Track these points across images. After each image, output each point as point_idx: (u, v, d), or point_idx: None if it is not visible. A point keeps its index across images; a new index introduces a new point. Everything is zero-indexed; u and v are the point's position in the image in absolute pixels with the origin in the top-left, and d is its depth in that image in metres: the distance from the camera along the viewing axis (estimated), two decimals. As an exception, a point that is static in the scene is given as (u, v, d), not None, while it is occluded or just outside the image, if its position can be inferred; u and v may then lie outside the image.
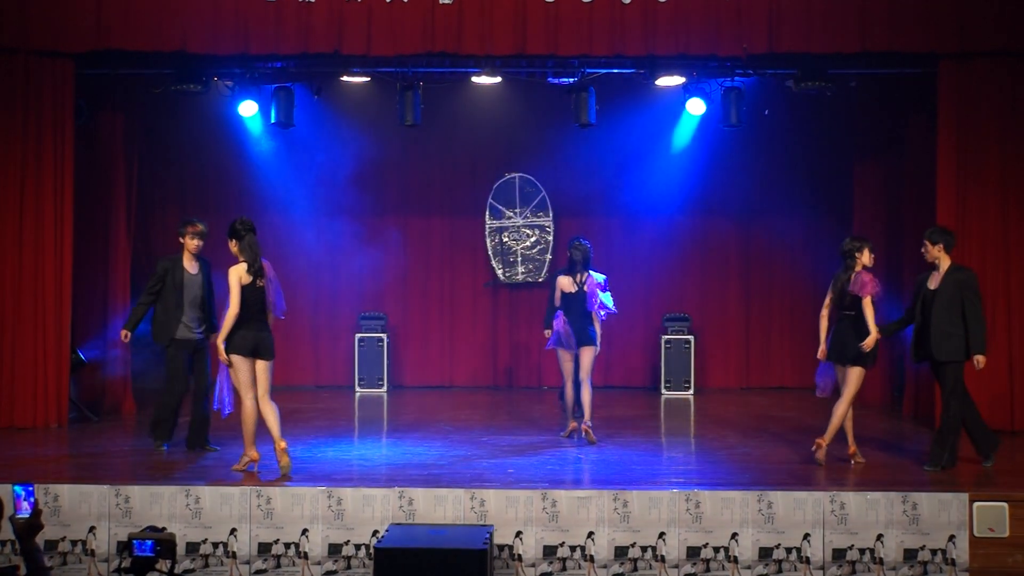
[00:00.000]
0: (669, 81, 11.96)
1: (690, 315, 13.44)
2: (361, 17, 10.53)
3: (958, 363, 8.74)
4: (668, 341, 13.22)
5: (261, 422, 8.50)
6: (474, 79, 12.05)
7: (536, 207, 13.71)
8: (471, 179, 13.88)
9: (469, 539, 7.16)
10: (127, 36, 10.54)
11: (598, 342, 10.00)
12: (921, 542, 7.74)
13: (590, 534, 7.80)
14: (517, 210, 13.72)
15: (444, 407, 12.34)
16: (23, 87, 10.68)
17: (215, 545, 7.85)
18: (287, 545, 7.84)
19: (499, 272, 13.76)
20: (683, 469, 9.10)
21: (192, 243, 9.41)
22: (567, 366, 10.01)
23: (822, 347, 9.01)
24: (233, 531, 7.85)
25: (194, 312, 9.33)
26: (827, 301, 9.01)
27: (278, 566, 7.83)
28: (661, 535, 7.79)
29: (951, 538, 7.73)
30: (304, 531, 7.84)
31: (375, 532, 7.76)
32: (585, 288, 9.90)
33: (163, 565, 5.94)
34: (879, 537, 7.75)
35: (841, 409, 8.79)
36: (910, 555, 7.72)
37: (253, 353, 8.44)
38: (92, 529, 7.88)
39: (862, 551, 7.74)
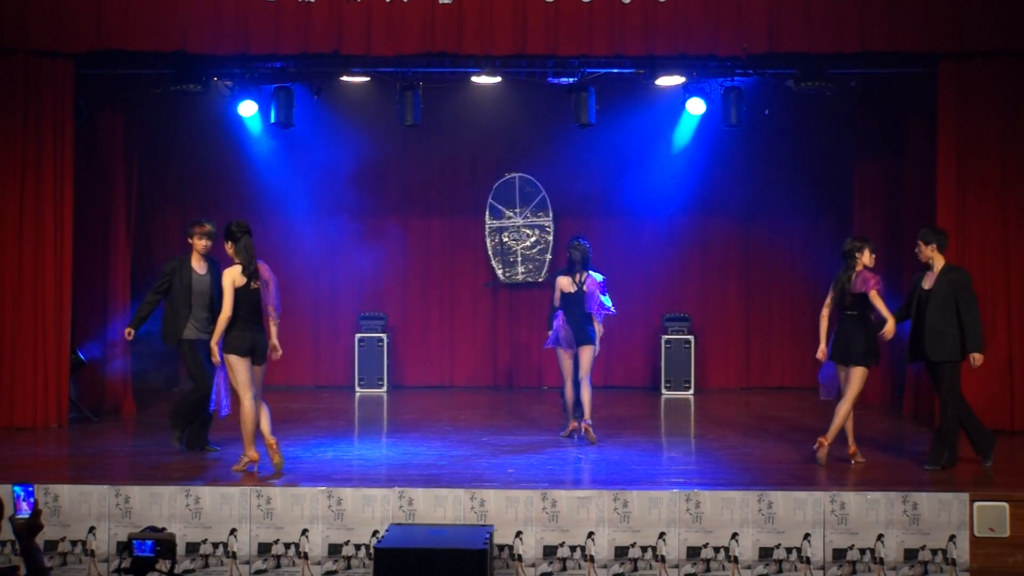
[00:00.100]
0: (669, 81, 11.96)
1: (690, 315, 13.44)
2: (361, 17, 10.52)
3: (954, 363, 8.74)
4: (668, 341, 13.22)
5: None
6: (474, 79, 12.05)
7: (536, 207, 13.71)
8: (471, 179, 13.88)
9: (469, 539, 7.16)
10: (127, 36, 10.54)
11: (597, 342, 10.00)
12: (921, 542, 7.74)
13: (590, 534, 7.80)
14: (517, 210, 13.71)
15: (444, 407, 12.34)
16: (23, 87, 10.67)
17: (215, 545, 7.85)
18: (287, 545, 7.83)
19: (499, 272, 13.76)
20: (683, 469, 9.10)
21: (200, 243, 9.40)
22: (566, 365, 10.01)
23: (821, 347, 9.01)
24: (233, 531, 7.85)
25: (202, 313, 9.27)
26: (827, 301, 9.01)
27: (278, 566, 7.83)
28: (661, 535, 7.79)
29: (951, 538, 7.72)
30: (304, 531, 7.84)
31: (375, 532, 7.76)
32: (585, 288, 9.90)
33: (163, 565, 5.94)
34: (879, 537, 7.75)
35: (844, 409, 8.78)
36: (910, 555, 7.72)
37: (250, 354, 8.45)
38: (92, 529, 7.87)
39: (862, 551, 7.74)
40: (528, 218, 13.72)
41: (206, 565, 7.83)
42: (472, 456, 9.35)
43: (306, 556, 7.83)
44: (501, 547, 7.75)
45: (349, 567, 7.81)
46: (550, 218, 13.69)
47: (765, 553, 7.75)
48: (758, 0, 10.53)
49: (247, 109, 12.36)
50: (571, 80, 11.78)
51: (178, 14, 10.52)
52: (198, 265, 9.41)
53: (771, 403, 12.62)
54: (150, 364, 12.91)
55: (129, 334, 9.65)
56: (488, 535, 7.23)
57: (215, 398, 8.69)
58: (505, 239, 13.72)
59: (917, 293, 8.89)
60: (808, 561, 7.75)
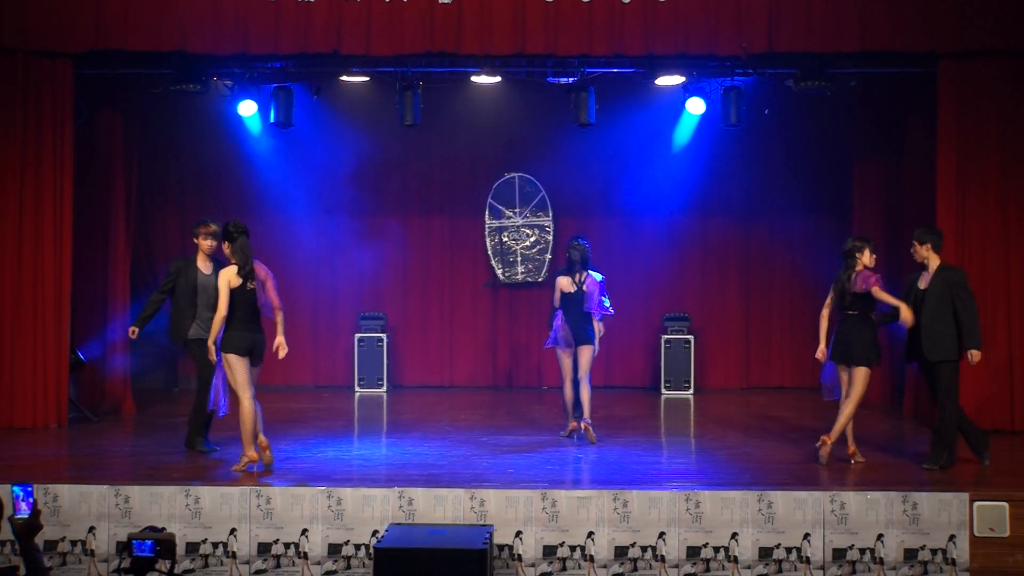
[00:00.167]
0: (669, 80, 11.96)
1: (690, 315, 13.44)
2: (360, 17, 10.52)
3: (952, 362, 8.74)
4: (668, 341, 13.22)
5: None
6: (474, 79, 12.05)
7: (536, 207, 13.70)
8: (471, 179, 13.88)
9: (469, 539, 7.16)
10: (126, 36, 10.53)
11: (596, 342, 9.99)
12: (921, 542, 7.74)
13: (590, 534, 7.79)
14: (517, 210, 13.71)
15: (444, 407, 12.34)
16: (22, 87, 10.66)
17: (215, 545, 7.84)
18: (287, 545, 7.83)
19: (499, 272, 13.75)
20: (683, 469, 9.10)
21: (205, 243, 9.40)
22: (566, 364, 10.01)
23: (821, 347, 9.00)
24: (233, 531, 7.84)
25: (207, 313, 9.21)
26: (828, 301, 9.01)
27: (278, 566, 7.83)
28: (661, 535, 7.78)
29: (951, 538, 7.72)
30: (304, 531, 7.83)
31: (375, 532, 7.76)
32: (584, 288, 9.90)
33: (163, 565, 5.94)
34: (879, 537, 7.74)
35: (849, 409, 8.78)
36: (910, 555, 7.72)
37: (249, 353, 8.46)
38: (92, 529, 7.87)
39: (862, 551, 7.74)
40: (528, 218, 13.71)
41: (206, 565, 7.83)
42: (472, 456, 9.34)
43: (306, 556, 7.82)
44: (501, 547, 7.75)
45: (349, 567, 7.81)
46: (550, 218, 13.69)
47: (765, 553, 7.75)
48: (758, 0, 10.53)
49: (247, 109, 12.37)
50: (571, 80, 11.78)
51: (178, 14, 10.52)
52: (203, 265, 9.41)
53: (771, 403, 12.62)
54: (150, 364, 12.92)
55: (133, 333, 9.65)
56: (488, 535, 7.23)
57: (213, 398, 8.70)
58: (505, 239, 13.72)
59: (913, 293, 8.89)
60: (808, 561, 7.75)
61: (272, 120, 11.95)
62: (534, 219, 13.71)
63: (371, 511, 7.84)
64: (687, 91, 12.22)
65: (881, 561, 7.72)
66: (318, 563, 7.81)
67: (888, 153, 12.36)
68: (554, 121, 13.12)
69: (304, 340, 13.57)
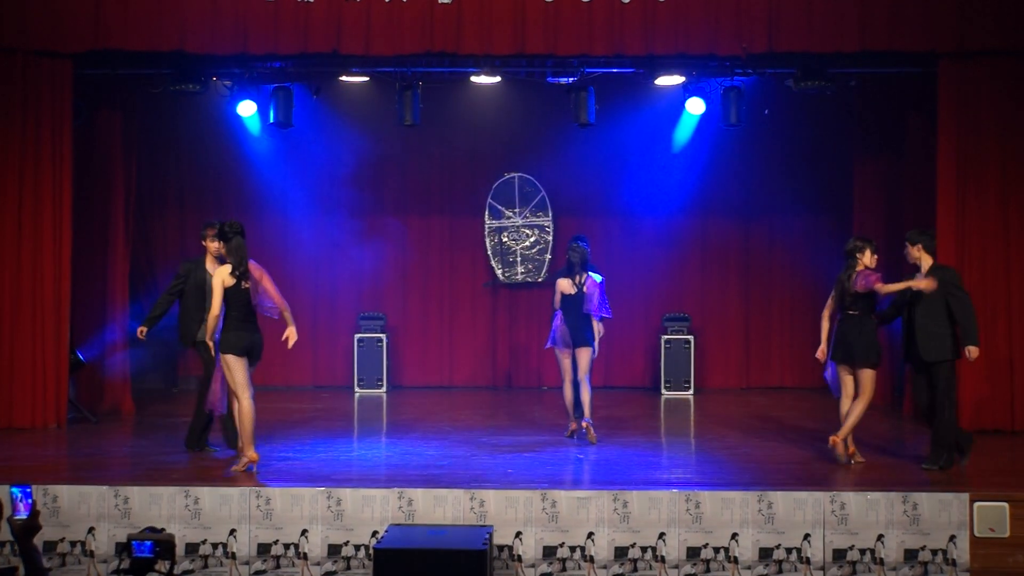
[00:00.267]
0: (669, 80, 11.96)
1: (690, 315, 13.43)
2: (360, 17, 10.52)
3: (948, 362, 8.73)
4: (668, 341, 13.21)
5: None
6: (473, 79, 12.05)
7: (535, 207, 13.70)
8: (470, 179, 13.87)
9: (468, 540, 7.15)
10: (126, 36, 10.53)
11: (596, 345, 9.98)
12: (922, 542, 7.73)
13: (590, 534, 7.78)
14: (516, 210, 13.71)
15: (443, 407, 12.33)
16: (21, 87, 10.65)
17: (214, 546, 7.83)
18: (286, 546, 7.82)
19: (498, 272, 13.75)
20: (683, 469, 9.08)
21: (213, 245, 9.38)
22: (565, 365, 10.00)
23: (822, 347, 9.01)
24: (232, 532, 7.83)
25: None
26: (829, 302, 9.01)
27: (277, 567, 7.82)
28: (661, 535, 7.77)
29: (952, 538, 7.71)
30: (303, 532, 7.82)
31: (374, 533, 7.75)
32: (584, 290, 9.89)
33: (162, 566, 5.93)
34: (879, 537, 7.73)
35: (859, 409, 8.78)
36: (911, 555, 7.71)
37: (247, 353, 8.46)
38: (91, 530, 7.86)
39: (862, 551, 7.73)
40: (527, 218, 13.71)
41: (205, 566, 7.82)
42: (471, 456, 9.33)
43: (305, 556, 7.81)
44: (501, 547, 7.74)
45: (348, 568, 7.80)
46: (549, 218, 13.69)
47: (765, 553, 7.74)
48: (758, 0, 10.52)
49: (246, 109, 12.36)
50: (571, 80, 11.78)
51: (177, 14, 10.51)
52: (212, 267, 9.37)
53: (771, 403, 12.62)
54: (150, 364, 12.91)
55: (142, 333, 9.63)
56: (488, 535, 7.23)
57: (210, 398, 8.69)
58: (504, 239, 13.71)
59: (907, 294, 8.89)
60: (808, 561, 7.74)
61: (272, 120, 11.95)
62: (534, 219, 13.71)
63: (371, 512, 7.83)
64: (687, 91, 12.22)
65: (881, 562, 7.71)
66: (318, 564, 7.80)
67: (888, 153, 12.36)
68: (554, 121, 13.11)
69: (304, 340, 13.40)
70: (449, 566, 6.91)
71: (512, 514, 7.80)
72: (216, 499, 7.87)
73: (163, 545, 5.83)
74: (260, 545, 7.82)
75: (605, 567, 7.76)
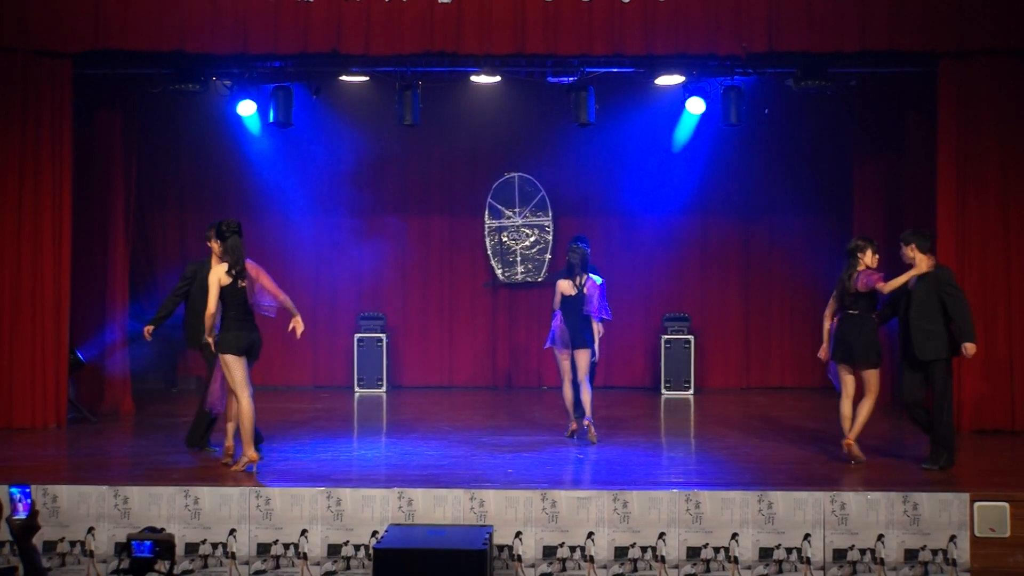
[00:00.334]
0: (669, 80, 11.95)
1: (690, 315, 13.43)
2: (360, 17, 10.52)
3: (944, 361, 8.72)
4: (668, 341, 13.21)
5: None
6: (473, 79, 12.03)
7: (535, 207, 13.69)
8: (470, 178, 13.86)
9: (468, 540, 7.15)
10: (125, 36, 10.53)
11: (595, 347, 9.97)
12: (922, 542, 7.73)
13: (590, 534, 7.78)
14: (516, 210, 13.70)
15: (443, 407, 12.33)
16: (21, 87, 10.65)
17: (214, 546, 7.83)
18: (286, 546, 7.82)
19: (498, 272, 13.74)
20: (683, 469, 9.08)
21: (217, 245, 9.38)
22: (564, 365, 9.99)
23: (823, 347, 9.01)
24: (232, 532, 7.83)
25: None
26: (831, 302, 9.01)
27: (277, 567, 7.82)
28: (661, 535, 7.77)
29: (952, 538, 7.71)
30: (303, 531, 7.82)
31: (374, 532, 7.75)
32: (585, 291, 9.88)
33: (162, 566, 5.93)
34: (880, 537, 7.73)
35: (867, 408, 8.80)
36: (911, 555, 7.71)
37: (246, 352, 8.46)
38: (91, 530, 7.86)
39: (863, 551, 7.73)
40: (527, 218, 13.70)
41: (205, 566, 7.82)
42: (471, 456, 9.33)
43: (305, 556, 7.81)
44: (501, 547, 7.74)
45: (348, 568, 7.80)
46: (549, 218, 13.68)
47: (765, 553, 7.74)
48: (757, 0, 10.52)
49: (246, 109, 12.35)
50: (571, 79, 11.77)
51: (177, 14, 10.51)
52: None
53: (771, 403, 12.61)
54: (149, 364, 12.90)
55: (148, 332, 9.61)
56: (487, 535, 7.23)
57: (209, 398, 8.69)
58: (504, 239, 13.71)
59: (899, 294, 8.89)
60: (808, 561, 7.74)
61: (271, 120, 11.94)
62: (534, 219, 13.70)
63: (371, 511, 7.83)
64: (687, 91, 12.20)
65: (882, 562, 7.71)
66: (317, 564, 7.80)
67: (888, 153, 12.35)
68: (554, 121, 13.10)
69: (303, 340, 13.39)
70: (449, 566, 6.91)
71: (512, 514, 7.80)
72: (216, 499, 7.87)
73: (163, 545, 5.83)
74: (260, 545, 7.82)
75: (605, 567, 7.76)
